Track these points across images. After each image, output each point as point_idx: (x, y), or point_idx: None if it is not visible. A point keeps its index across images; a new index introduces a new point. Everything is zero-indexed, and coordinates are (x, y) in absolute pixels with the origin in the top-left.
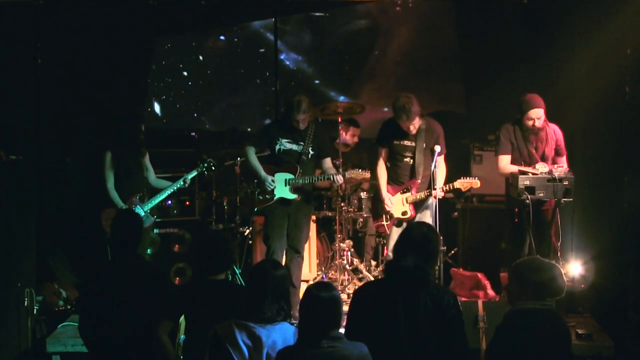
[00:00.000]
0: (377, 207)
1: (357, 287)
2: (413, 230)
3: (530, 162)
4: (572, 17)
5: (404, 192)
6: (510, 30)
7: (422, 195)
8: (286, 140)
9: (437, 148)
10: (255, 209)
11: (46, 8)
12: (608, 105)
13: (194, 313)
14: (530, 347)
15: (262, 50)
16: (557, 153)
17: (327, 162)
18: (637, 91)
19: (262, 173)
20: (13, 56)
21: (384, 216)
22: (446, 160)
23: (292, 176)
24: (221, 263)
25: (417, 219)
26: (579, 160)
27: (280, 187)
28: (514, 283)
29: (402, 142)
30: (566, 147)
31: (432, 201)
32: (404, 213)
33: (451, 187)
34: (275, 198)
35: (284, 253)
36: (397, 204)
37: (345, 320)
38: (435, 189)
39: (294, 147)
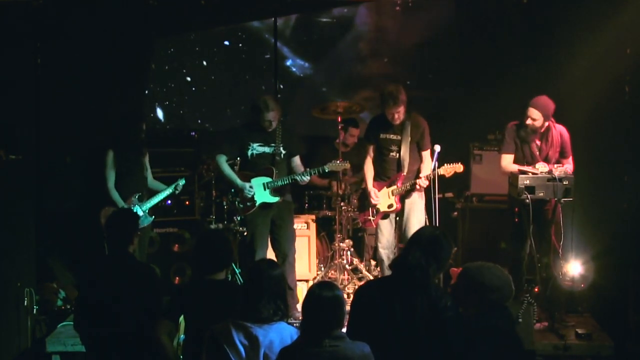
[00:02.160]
0: (364, 201)
1: (357, 286)
2: (424, 230)
3: (532, 163)
4: (572, 17)
5: (389, 186)
6: (510, 30)
7: (406, 186)
8: (257, 144)
9: (437, 148)
10: (239, 218)
11: (46, 8)
12: (608, 105)
13: (193, 313)
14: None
15: (268, 56)
16: (562, 155)
17: (296, 160)
18: (637, 91)
19: (239, 181)
20: (13, 56)
21: (370, 210)
22: (431, 155)
23: (269, 179)
24: (219, 262)
25: (406, 213)
26: (580, 160)
27: (260, 191)
28: (463, 288)
29: (388, 136)
30: None
31: (419, 194)
32: (390, 206)
33: (435, 174)
34: (257, 204)
35: (275, 256)
36: (382, 197)
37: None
38: (420, 178)
39: (266, 149)
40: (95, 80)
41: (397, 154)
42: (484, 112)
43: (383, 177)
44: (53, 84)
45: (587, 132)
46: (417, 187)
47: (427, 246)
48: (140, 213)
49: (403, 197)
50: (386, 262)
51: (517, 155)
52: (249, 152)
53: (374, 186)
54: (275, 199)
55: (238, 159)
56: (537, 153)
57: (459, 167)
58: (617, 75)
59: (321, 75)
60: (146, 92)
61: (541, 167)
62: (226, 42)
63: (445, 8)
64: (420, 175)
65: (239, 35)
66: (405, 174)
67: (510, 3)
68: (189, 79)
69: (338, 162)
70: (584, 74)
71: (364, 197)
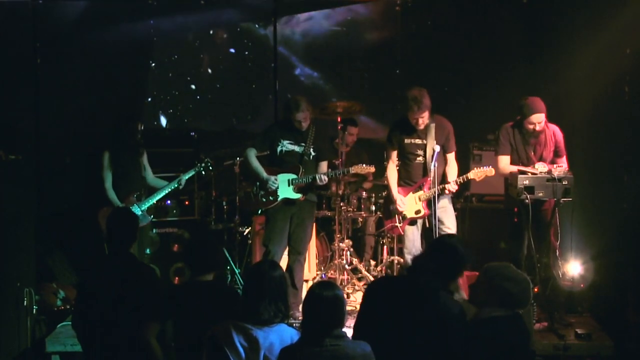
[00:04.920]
0: (389, 208)
1: (356, 286)
2: (443, 239)
3: (528, 164)
4: (572, 17)
5: (416, 191)
6: (510, 30)
7: (434, 191)
8: (288, 142)
9: (437, 148)
10: (259, 211)
11: (46, 8)
12: (608, 105)
13: (182, 315)
14: (496, 354)
15: (276, 66)
16: (557, 154)
17: (323, 165)
18: (637, 91)
19: (264, 174)
20: (13, 56)
21: (396, 217)
22: (456, 157)
23: (295, 176)
24: (206, 264)
25: (438, 218)
26: (579, 160)
27: (284, 187)
28: (482, 286)
29: (412, 141)
30: (566, 146)
31: (448, 198)
32: (418, 212)
33: (465, 178)
34: (279, 199)
35: (286, 254)
36: (409, 203)
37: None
38: (448, 183)
39: (296, 148)
40: (94, 80)
41: (423, 159)
42: (483, 112)
43: (408, 182)
44: (53, 84)
45: (587, 132)
46: (447, 191)
47: (444, 254)
48: (139, 212)
49: (430, 201)
50: None
51: (513, 157)
52: (279, 149)
53: (398, 192)
54: (298, 196)
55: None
56: (532, 153)
57: (490, 171)
58: (617, 75)
59: (330, 83)
60: (149, 99)
61: (540, 167)
62: (232, 50)
63: (445, 8)
64: (449, 179)
65: (244, 42)
66: (431, 178)
67: (510, 3)
68: (193, 87)
69: (363, 165)
70: (584, 74)
71: (388, 203)
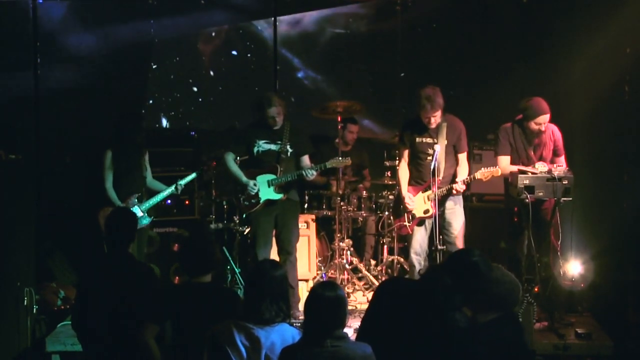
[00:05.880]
0: (398, 207)
1: (356, 286)
2: (466, 253)
3: (528, 164)
4: (572, 17)
5: (425, 191)
6: (510, 29)
7: (443, 191)
8: (263, 141)
9: (437, 147)
10: (244, 215)
11: (46, 8)
12: (608, 105)
13: (181, 316)
14: (496, 357)
15: (278, 67)
16: (555, 153)
17: (305, 160)
18: (637, 91)
19: (244, 178)
20: (13, 56)
21: (405, 216)
22: (468, 158)
23: (273, 176)
24: (201, 267)
25: (447, 218)
26: (579, 160)
27: (264, 189)
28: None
29: (424, 140)
30: (566, 146)
31: (457, 199)
32: (426, 211)
33: (472, 178)
34: (261, 201)
35: (275, 254)
36: (418, 202)
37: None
38: (456, 182)
39: (272, 146)
40: (95, 79)
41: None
42: (483, 112)
43: (419, 182)
44: (53, 84)
45: (587, 132)
46: (454, 191)
47: (461, 270)
48: (139, 213)
49: (439, 201)
50: (417, 268)
51: (513, 157)
52: (255, 149)
53: (408, 191)
54: (279, 196)
55: (238, 158)
56: (532, 153)
57: (496, 172)
58: (617, 75)
59: (332, 86)
60: (150, 100)
61: (541, 167)
62: (234, 52)
63: (445, 8)
64: (457, 179)
65: (247, 44)
66: (441, 178)
67: (510, 3)
68: (195, 89)
69: (340, 158)
70: (584, 74)
71: (398, 202)
